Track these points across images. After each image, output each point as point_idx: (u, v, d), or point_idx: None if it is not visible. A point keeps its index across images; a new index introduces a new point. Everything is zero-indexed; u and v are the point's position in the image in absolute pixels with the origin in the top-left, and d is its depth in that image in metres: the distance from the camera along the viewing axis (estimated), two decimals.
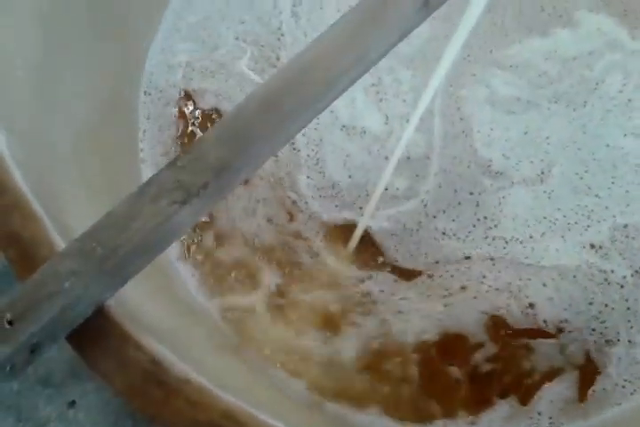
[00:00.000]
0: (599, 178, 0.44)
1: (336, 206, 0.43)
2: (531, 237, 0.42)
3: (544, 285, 0.41)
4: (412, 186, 0.43)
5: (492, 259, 0.42)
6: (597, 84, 0.46)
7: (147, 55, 0.44)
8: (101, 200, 0.29)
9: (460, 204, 0.43)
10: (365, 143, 0.44)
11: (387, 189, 0.42)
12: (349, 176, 0.43)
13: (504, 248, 0.42)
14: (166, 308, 0.33)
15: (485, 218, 0.43)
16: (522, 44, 0.46)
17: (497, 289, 0.41)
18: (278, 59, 0.46)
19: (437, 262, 0.41)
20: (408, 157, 0.43)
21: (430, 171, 0.43)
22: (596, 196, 0.43)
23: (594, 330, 0.40)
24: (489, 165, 0.43)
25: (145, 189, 0.22)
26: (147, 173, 0.41)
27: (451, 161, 0.44)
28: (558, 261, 0.41)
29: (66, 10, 0.35)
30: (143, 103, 0.43)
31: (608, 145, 0.45)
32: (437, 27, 0.43)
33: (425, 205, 0.43)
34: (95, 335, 0.23)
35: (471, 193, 0.43)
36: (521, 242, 0.42)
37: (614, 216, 0.43)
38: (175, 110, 0.44)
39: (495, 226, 0.42)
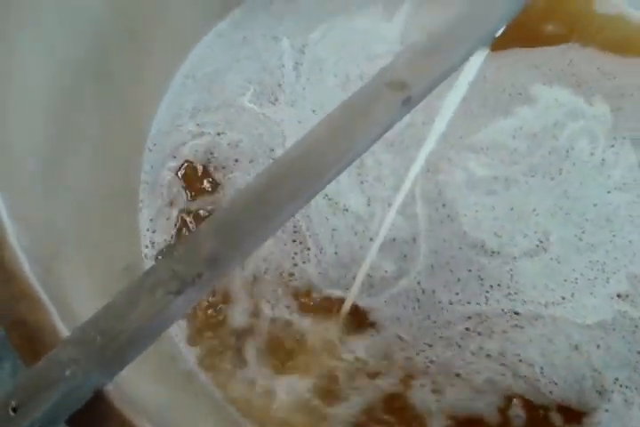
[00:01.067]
0: (599, 235, 0.46)
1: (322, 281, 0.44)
2: (563, 298, 0.44)
3: (598, 346, 0.42)
4: (400, 267, 0.44)
5: (516, 315, 0.43)
6: (568, 151, 0.48)
7: (147, 140, 0.47)
8: (105, 286, 0.30)
9: (459, 280, 0.44)
10: (349, 222, 0.46)
11: (370, 276, 0.43)
12: (335, 253, 0.45)
13: (532, 310, 0.43)
14: (166, 388, 0.34)
15: (499, 285, 0.44)
16: (489, 127, 0.49)
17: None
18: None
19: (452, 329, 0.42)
20: (394, 239, 0.45)
21: (419, 252, 0.45)
22: (604, 250, 0.45)
23: None
24: (482, 246, 0.45)
25: (143, 279, 0.24)
26: (150, 257, 0.43)
27: (439, 244, 0.45)
28: (598, 316, 0.43)
29: (75, 101, 0.38)
30: (144, 188, 0.46)
31: (595, 204, 0.47)
32: (416, 114, 0.46)
33: (419, 283, 0.44)
34: (94, 419, 0.24)
35: (469, 270, 0.44)
36: (557, 304, 0.43)
37: (626, 266, 0.45)
38: (175, 195, 0.46)
39: (515, 293, 0.43)
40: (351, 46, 0.53)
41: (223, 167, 0.47)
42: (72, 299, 0.28)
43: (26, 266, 0.27)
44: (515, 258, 0.45)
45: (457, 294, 0.43)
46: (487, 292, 0.44)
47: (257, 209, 0.24)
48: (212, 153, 0.48)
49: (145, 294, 0.23)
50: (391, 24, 0.53)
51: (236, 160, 0.47)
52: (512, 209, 0.46)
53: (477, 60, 0.28)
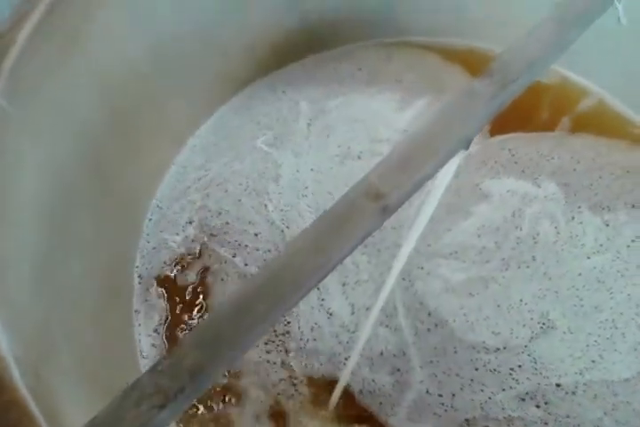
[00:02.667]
0: (597, 297, 0.47)
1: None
2: (593, 361, 0.44)
3: None
4: (398, 380, 0.44)
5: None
6: (534, 237, 0.49)
7: (139, 240, 0.48)
8: (95, 394, 0.31)
9: (472, 380, 0.44)
10: (334, 330, 0.46)
11: (372, 393, 0.43)
12: (321, 364, 0.44)
13: (570, 380, 0.44)
14: None
15: (520, 367, 0.44)
16: (452, 231, 0.50)
17: None
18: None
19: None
20: (381, 353, 0.45)
21: (413, 364, 0.44)
22: (608, 309, 0.46)
23: None
24: (483, 346, 0.45)
25: (128, 392, 0.24)
26: (143, 364, 0.44)
27: (432, 352, 0.45)
28: (631, 369, 0.44)
29: (69, 202, 0.39)
30: (138, 289, 0.47)
31: (580, 274, 0.48)
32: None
33: (427, 392, 0.43)
34: None
35: (476, 369, 0.44)
36: (590, 369, 0.44)
37: (633, 318, 0.46)
38: (166, 298, 0.47)
39: (544, 369, 0.44)
40: (360, 124, 0.56)
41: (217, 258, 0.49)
42: (61, 408, 0.29)
43: (16, 374, 0.28)
44: (525, 346, 0.45)
45: (482, 390, 0.43)
46: (511, 375, 0.44)
47: (239, 320, 0.25)
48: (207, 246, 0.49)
49: (130, 408, 0.24)
50: (402, 114, 0.56)
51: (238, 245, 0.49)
52: (499, 306, 0.46)
53: (453, 164, 0.29)
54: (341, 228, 0.26)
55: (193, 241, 0.50)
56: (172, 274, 0.48)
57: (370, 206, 0.26)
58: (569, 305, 0.46)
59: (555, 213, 0.50)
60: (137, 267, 0.47)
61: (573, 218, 0.50)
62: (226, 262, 0.49)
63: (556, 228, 0.49)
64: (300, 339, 0.45)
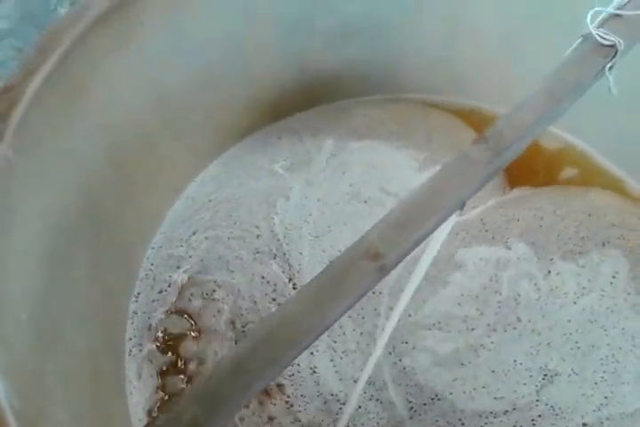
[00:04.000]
0: (591, 336, 0.48)
1: None
2: (606, 397, 0.45)
3: None
4: None
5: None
6: (515, 299, 0.50)
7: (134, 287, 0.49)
8: None
9: None
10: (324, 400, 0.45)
11: None
12: None
13: (593, 417, 0.44)
14: None
15: (540, 416, 0.44)
16: (432, 301, 0.49)
17: None
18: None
19: None
20: None
21: None
22: (605, 345, 0.47)
23: None
24: (490, 412, 0.45)
25: None
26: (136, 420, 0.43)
27: (435, 425, 0.44)
28: None
29: (67, 249, 0.40)
30: (131, 343, 0.47)
31: (570, 320, 0.48)
32: None
33: None
34: None
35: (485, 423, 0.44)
36: (607, 404, 0.45)
37: (632, 350, 0.47)
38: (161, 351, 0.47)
39: (563, 412, 0.44)
40: (377, 172, 0.57)
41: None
42: None
43: (12, 424, 0.28)
44: (537, 400, 0.45)
45: None
46: (534, 426, 0.44)
47: (236, 378, 0.25)
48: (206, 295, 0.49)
49: None
50: (418, 175, 0.57)
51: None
52: (494, 371, 0.46)
53: (447, 225, 0.30)
54: (339, 286, 0.27)
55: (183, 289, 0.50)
56: (165, 327, 0.48)
57: (368, 266, 0.27)
58: (566, 350, 0.47)
59: (530, 271, 0.51)
60: (132, 317, 0.47)
61: (549, 272, 0.51)
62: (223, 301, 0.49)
63: (535, 284, 0.50)
64: (289, 408, 0.44)
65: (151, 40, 0.44)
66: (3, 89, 0.36)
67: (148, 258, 0.51)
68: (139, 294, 0.49)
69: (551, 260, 0.51)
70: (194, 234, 0.52)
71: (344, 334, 0.47)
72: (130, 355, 0.46)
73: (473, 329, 0.48)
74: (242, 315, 0.48)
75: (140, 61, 0.44)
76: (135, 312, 0.48)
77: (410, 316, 0.48)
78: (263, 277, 0.49)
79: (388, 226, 0.28)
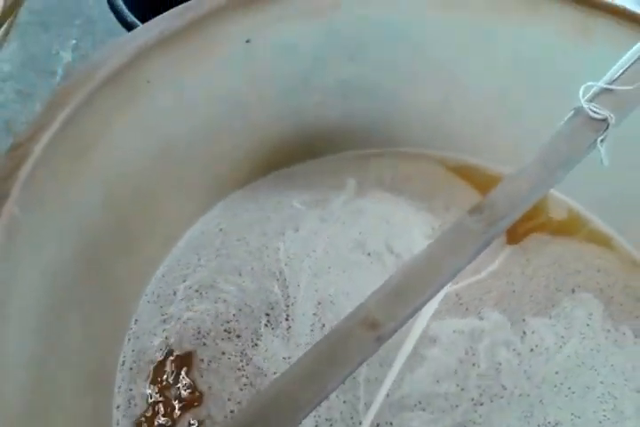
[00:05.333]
0: (582, 378, 0.48)
1: None
2: None
3: None
4: None
5: None
6: (496, 368, 0.49)
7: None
8: None
9: None
10: None
11: None
12: None
13: None
14: None
15: None
16: (409, 379, 0.47)
17: None
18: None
19: None
20: None
21: None
22: (599, 384, 0.47)
23: None
24: None
25: None
26: None
27: None
28: None
29: (63, 305, 0.40)
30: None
31: (557, 372, 0.48)
32: None
33: None
34: None
35: None
36: None
37: (626, 384, 0.48)
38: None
39: None
40: (388, 227, 0.56)
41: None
42: None
43: None
44: None
45: None
46: None
47: None
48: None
49: None
50: (425, 241, 0.54)
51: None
52: None
53: (439, 296, 0.31)
54: (335, 358, 0.27)
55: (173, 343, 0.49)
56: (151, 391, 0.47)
57: (365, 335, 0.27)
58: (560, 399, 0.47)
59: (506, 338, 0.50)
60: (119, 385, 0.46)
61: (524, 333, 0.50)
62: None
63: (514, 350, 0.49)
64: None
65: (156, 97, 0.45)
66: (11, 147, 0.37)
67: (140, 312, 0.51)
68: (124, 362, 0.48)
69: (523, 320, 0.51)
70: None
71: (328, 399, 0.45)
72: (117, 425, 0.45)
73: (457, 406, 0.46)
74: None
75: (144, 117, 0.45)
76: (123, 380, 0.47)
77: (388, 396, 0.46)
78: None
79: (385, 294, 0.29)
